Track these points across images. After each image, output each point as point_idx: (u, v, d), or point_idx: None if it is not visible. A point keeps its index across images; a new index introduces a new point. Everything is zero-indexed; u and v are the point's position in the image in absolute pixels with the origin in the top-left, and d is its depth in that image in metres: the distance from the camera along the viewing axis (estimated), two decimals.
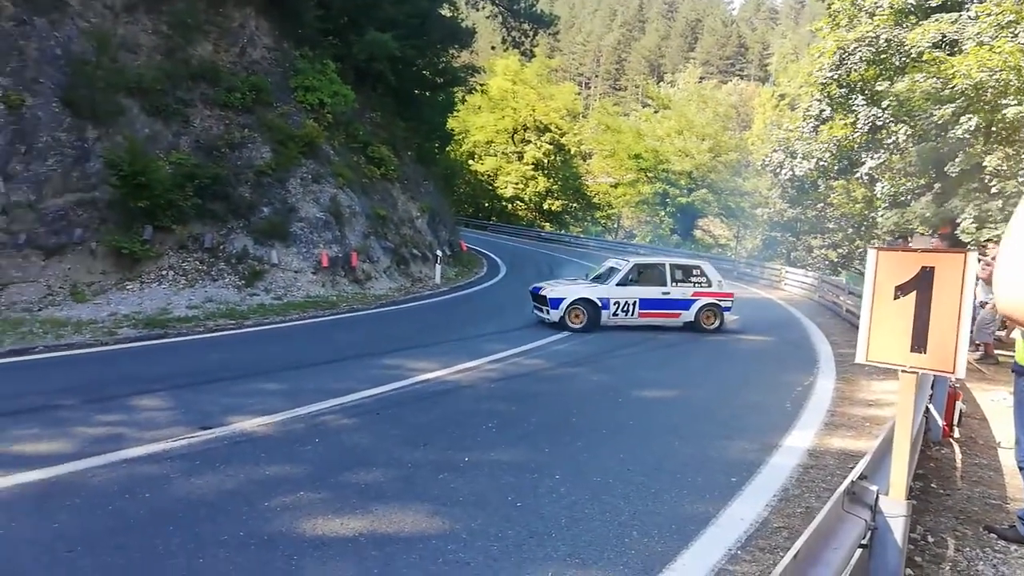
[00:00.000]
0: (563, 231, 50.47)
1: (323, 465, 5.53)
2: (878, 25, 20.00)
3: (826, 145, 23.74)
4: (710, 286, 14.01)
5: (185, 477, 5.11)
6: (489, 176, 53.13)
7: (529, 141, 52.69)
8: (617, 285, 13.75)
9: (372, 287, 17.98)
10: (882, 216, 22.98)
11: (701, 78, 60.82)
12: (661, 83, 68.00)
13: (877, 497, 3.05)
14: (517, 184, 52.44)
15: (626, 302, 13.67)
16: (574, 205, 55.24)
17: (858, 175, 22.51)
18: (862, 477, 3.18)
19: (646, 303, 13.75)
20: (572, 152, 56.25)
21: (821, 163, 24.30)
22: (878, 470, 3.74)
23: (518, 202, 53.90)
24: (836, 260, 31.74)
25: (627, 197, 52.04)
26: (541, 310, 13.78)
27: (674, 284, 13.91)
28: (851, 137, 22.17)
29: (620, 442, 6.58)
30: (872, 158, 21.44)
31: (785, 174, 26.14)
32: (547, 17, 33.54)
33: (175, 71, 16.66)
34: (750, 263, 33.56)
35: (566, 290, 13.76)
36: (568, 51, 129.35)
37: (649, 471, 5.76)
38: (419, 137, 27.73)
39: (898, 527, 3.06)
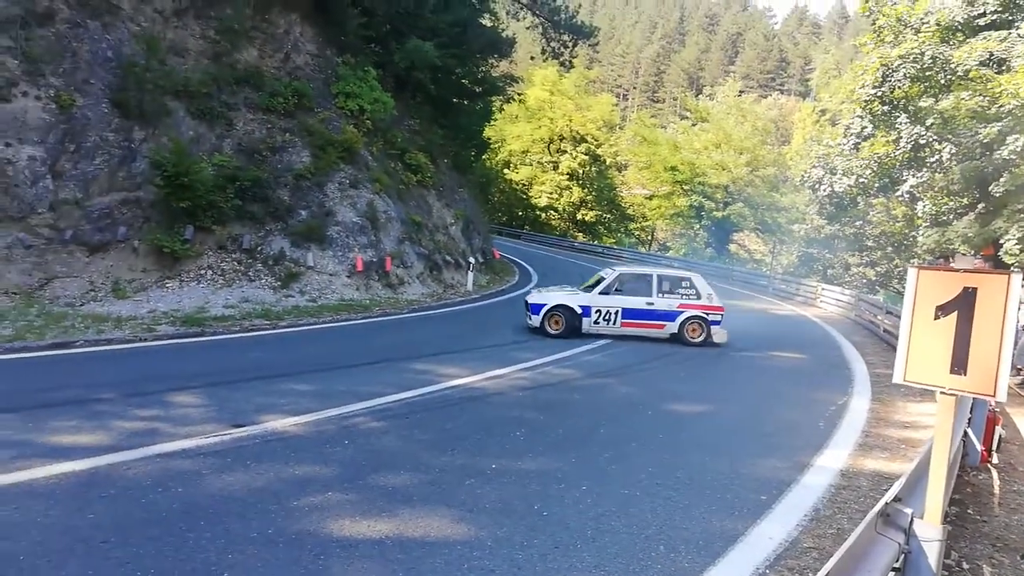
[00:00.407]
0: (596, 242, 50.34)
1: (352, 466, 5.58)
2: (923, 42, 19.70)
3: (867, 162, 23.40)
4: (699, 298, 13.87)
5: (217, 473, 5.20)
6: (523, 185, 53.26)
7: (565, 151, 52.72)
8: (600, 294, 13.91)
9: (405, 292, 18.11)
10: (923, 235, 22.57)
11: (741, 91, 60.32)
12: (700, 96, 67.60)
13: (912, 520, 2.99)
14: (551, 194, 52.49)
15: (608, 311, 13.77)
16: (608, 216, 55.07)
17: (899, 193, 22.14)
18: (897, 499, 3.12)
19: (629, 313, 13.80)
20: (608, 163, 56.16)
21: (861, 180, 23.94)
22: (913, 493, 3.66)
23: (552, 212, 53.94)
24: (874, 279, 31.21)
25: (662, 209, 51.74)
26: (528, 316, 14.05)
27: (660, 295, 13.89)
28: (893, 155, 21.82)
29: (648, 455, 6.54)
30: (914, 176, 21.08)
31: (824, 190, 25.79)
32: (587, 28, 33.57)
33: (221, 75, 17.02)
34: (785, 279, 33.11)
35: (548, 297, 14.07)
36: (607, 62, 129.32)
37: (678, 485, 5.71)
38: (456, 145, 27.93)
39: (932, 552, 2.99)
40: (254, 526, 4.33)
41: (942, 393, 3.10)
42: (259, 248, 15.82)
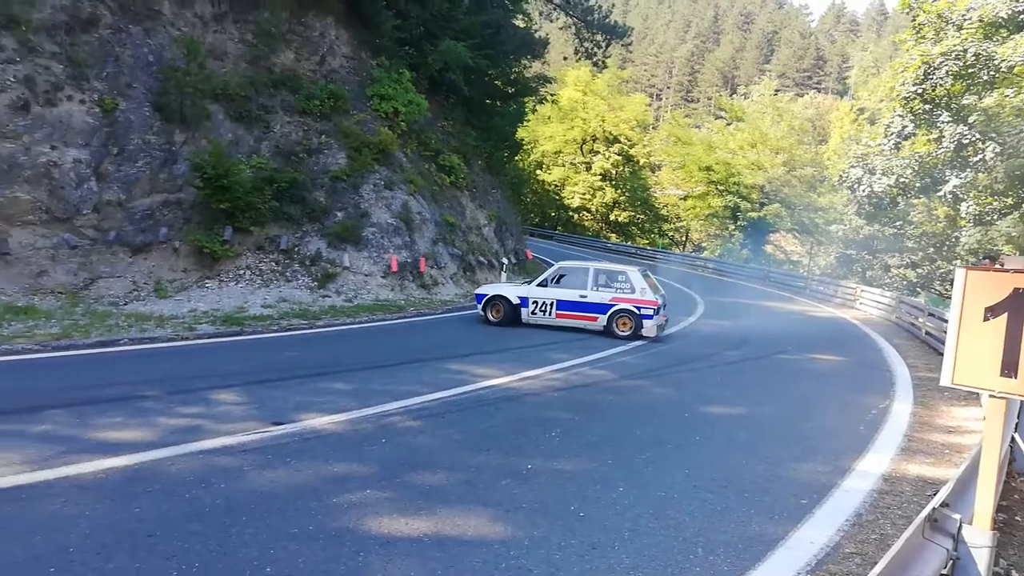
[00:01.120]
0: (629, 243, 50.06)
1: (389, 465, 5.63)
2: (966, 38, 19.22)
3: (907, 161, 22.91)
4: (632, 292, 13.90)
5: (258, 470, 5.28)
6: (556, 186, 53.19)
7: (597, 152, 52.55)
8: (537, 286, 14.56)
9: (439, 292, 18.21)
10: (965, 235, 22.04)
11: (776, 90, 59.53)
12: (734, 95, 66.88)
13: (960, 526, 2.92)
14: (584, 194, 52.36)
15: (544, 302, 14.35)
16: (641, 217, 54.76)
17: (941, 193, 21.64)
18: (944, 504, 3.06)
19: (563, 304, 14.25)
20: (641, 163, 55.84)
21: (902, 180, 23.44)
22: (962, 498, 3.58)
23: (584, 212, 53.80)
24: (915, 280, 30.55)
25: (696, 210, 51.27)
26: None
27: (595, 288, 14.11)
28: (934, 154, 21.34)
29: (685, 457, 6.49)
30: (957, 176, 20.59)
31: (863, 190, 25.30)
32: (621, 28, 33.44)
33: (258, 78, 17.31)
34: (823, 280, 32.61)
35: (490, 288, 15.12)
36: (640, 62, 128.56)
37: (716, 488, 5.66)
38: (489, 146, 28.00)
39: (982, 558, 2.92)
40: (295, 522, 4.39)
41: (991, 396, 3.03)
42: (296, 249, 16.04)
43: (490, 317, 14.54)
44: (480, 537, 4.41)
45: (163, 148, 14.70)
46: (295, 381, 8.36)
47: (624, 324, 13.86)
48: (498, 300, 14.54)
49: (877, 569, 2.05)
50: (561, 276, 14.56)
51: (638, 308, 13.74)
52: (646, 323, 13.70)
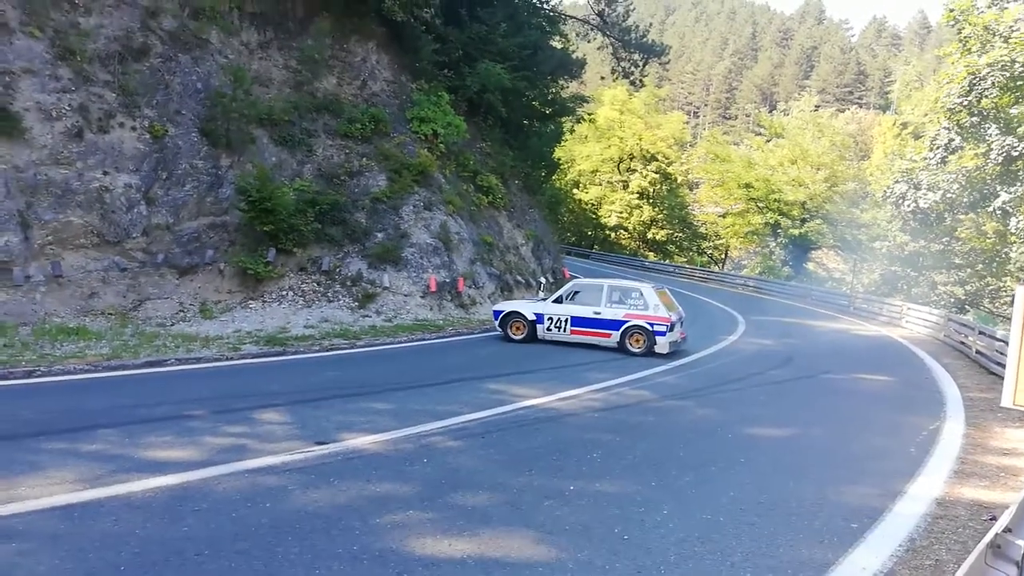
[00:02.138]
0: (668, 261, 49.68)
1: (431, 485, 5.63)
2: (1014, 49, 18.81)
3: (954, 176, 22.40)
4: (645, 309, 13.82)
5: (302, 490, 5.33)
6: (593, 205, 53.13)
7: (635, 170, 52.40)
8: (553, 302, 14.70)
9: (477, 312, 18.27)
10: (1017, 252, 21.42)
11: (817, 106, 58.83)
12: (774, 111, 66.29)
13: None
14: (621, 213, 52.18)
15: (559, 318, 14.43)
16: (679, 235, 54.37)
17: (991, 209, 21.08)
18: (1007, 530, 2.95)
19: (577, 321, 14.32)
20: (678, 181, 55.50)
21: (948, 195, 22.90)
22: None
23: (622, 231, 53.59)
24: (963, 297, 29.74)
25: (736, 227, 50.70)
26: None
27: (608, 305, 14.11)
28: (982, 168, 20.84)
29: (730, 479, 6.37)
30: (1007, 191, 20.06)
31: (908, 206, 24.78)
32: (658, 47, 33.45)
33: (301, 103, 17.68)
34: (867, 298, 31.93)
35: (506, 304, 15.27)
36: (677, 80, 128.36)
37: (762, 511, 5.54)
38: (526, 166, 28.15)
39: None
40: (339, 542, 4.41)
41: None
42: (337, 270, 16.26)
43: (511, 335, 14.70)
44: (524, 559, 4.38)
45: (210, 172, 15.07)
46: (337, 401, 8.45)
47: (637, 340, 13.79)
48: (516, 317, 14.71)
49: None
50: (576, 293, 14.68)
51: (651, 324, 13.67)
52: (659, 339, 13.61)
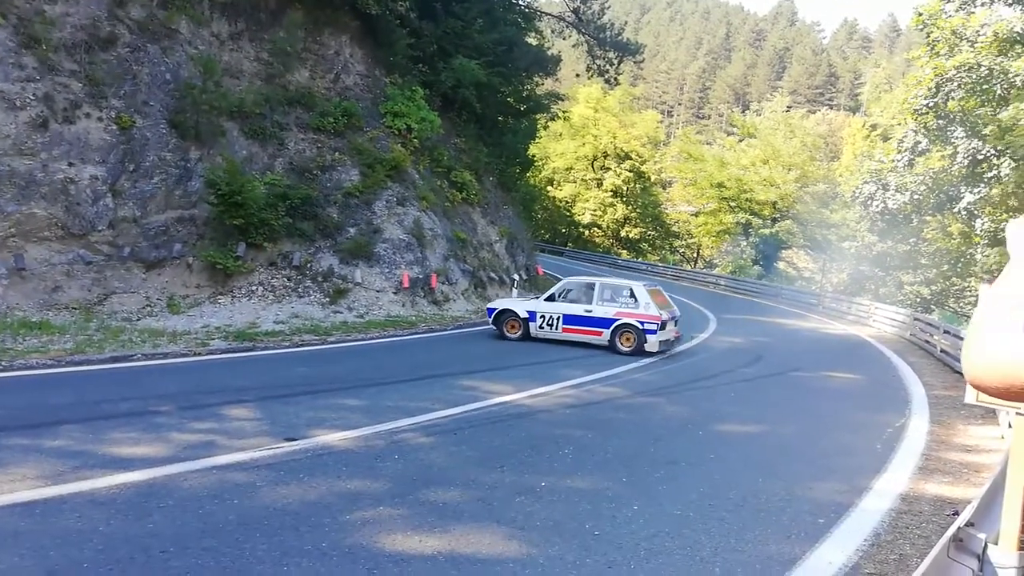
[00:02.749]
0: (640, 259, 49.98)
1: (402, 482, 5.60)
2: (980, 52, 19.19)
3: (921, 178, 22.79)
4: (636, 307, 13.79)
5: (271, 486, 5.26)
6: (567, 202, 53.26)
7: (608, 168, 52.61)
8: (545, 300, 14.76)
9: (450, 308, 18.21)
10: (981, 254, 21.88)
11: (788, 107, 59.49)
12: (746, 112, 66.92)
13: (986, 546, 2.86)
14: (595, 211, 52.39)
15: (551, 316, 14.44)
16: (652, 233, 54.71)
17: (956, 210, 21.49)
18: (969, 524, 3.00)
19: (569, 319, 14.32)
20: (652, 180, 55.84)
21: (916, 196, 23.30)
22: (986, 518, 3.51)
23: (595, 229, 53.80)
24: (929, 297, 30.31)
25: (708, 226, 51.15)
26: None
27: (600, 303, 14.08)
28: (949, 170, 21.23)
29: (700, 475, 6.42)
30: (971, 192, 20.45)
31: (876, 207, 25.16)
32: (633, 45, 33.59)
33: (273, 96, 17.46)
34: (836, 298, 32.41)
35: (500, 302, 15.41)
36: (652, 79, 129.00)
37: (731, 507, 5.59)
38: (501, 163, 28.08)
39: None
40: (308, 539, 4.36)
41: (1018, 414, 2.97)
42: (309, 265, 16.09)
43: (507, 333, 14.71)
44: (495, 555, 4.37)
45: (178, 165, 14.82)
46: (307, 397, 8.36)
47: (627, 339, 13.74)
48: (509, 315, 14.73)
49: None
50: (568, 291, 14.73)
51: (641, 323, 13.59)
52: (649, 338, 13.56)
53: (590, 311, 14.09)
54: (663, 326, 13.63)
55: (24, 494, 4.76)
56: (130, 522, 4.46)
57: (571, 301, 14.46)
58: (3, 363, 8.93)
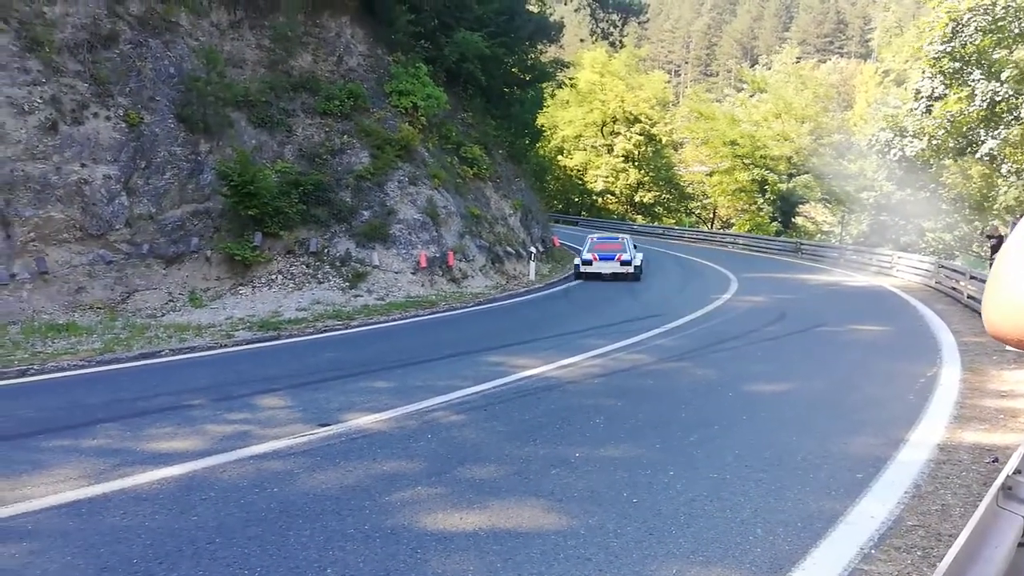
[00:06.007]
0: (656, 223, 49.63)
1: (437, 460, 5.63)
2: None
3: (939, 122, 22.36)
4: (582, 251, 22.27)
5: (309, 472, 5.31)
6: (578, 171, 52.88)
7: (618, 133, 52.09)
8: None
9: (468, 285, 18.22)
10: (1003, 193, 21.51)
11: (798, 58, 58.37)
12: (755, 66, 65.82)
13: None
14: (607, 177, 51.99)
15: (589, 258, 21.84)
16: (666, 196, 54.25)
17: (979, 155, 21.08)
18: (1018, 471, 2.96)
19: (586, 261, 21.72)
20: (663, 142, 55.20)
21: (934, 141, 22.88)
22: None
23: (609, 196, 53.45)
24: (952, 243, 29.92)
25: (723, 186, 50.51)
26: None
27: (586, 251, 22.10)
28: (967, 112, 20.80)
29: (734, 437, 6.40)
30: (992, 137, 20.04)
31: (894, 155, 24.74)
32: (636, 5, 33.06)
33: (278, 83, 17.40)
34: (857, 249, 32.02)
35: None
36: (656, 39, 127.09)
37: (768, 467, 5.57)
38: (510, 135, 27.91)
39: None
40: (350, 522, 4.40)
41: None
42: (326, 250, 16.14)
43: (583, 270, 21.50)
44: (535, 528, 4.39)
45: (189, 159, 14.85)
46: (336, 382, 8.42)
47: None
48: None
49: (960, 540, 1.97)
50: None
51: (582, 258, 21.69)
52: (583, 267, 21.50)
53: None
54: (589, 263, 21.30)
55: (69, 494, 4.83)
56: (174, 516, 4.52)
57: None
58: (35, 366, 9.04)
